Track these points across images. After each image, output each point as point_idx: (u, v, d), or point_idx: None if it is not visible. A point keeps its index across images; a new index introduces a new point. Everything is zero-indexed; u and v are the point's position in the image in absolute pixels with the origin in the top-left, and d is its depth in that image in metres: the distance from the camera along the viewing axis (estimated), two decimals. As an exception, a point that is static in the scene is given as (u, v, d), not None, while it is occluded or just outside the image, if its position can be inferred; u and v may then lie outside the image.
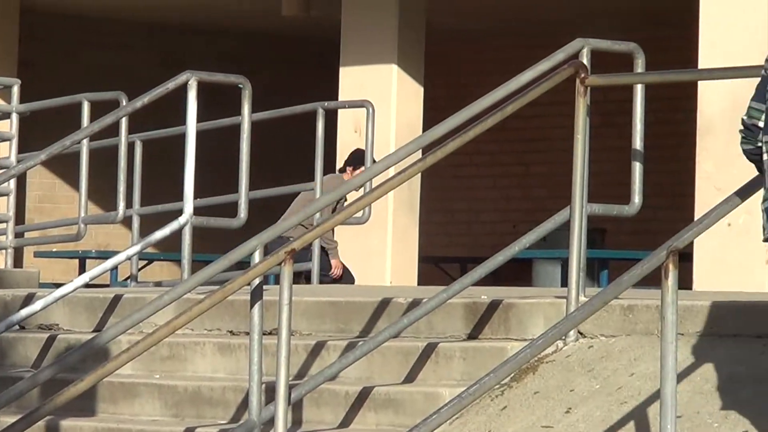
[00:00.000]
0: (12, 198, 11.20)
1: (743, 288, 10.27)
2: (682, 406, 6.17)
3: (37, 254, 16.60)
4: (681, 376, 6.29)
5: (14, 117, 11.13)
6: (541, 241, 8.74)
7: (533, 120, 14.90)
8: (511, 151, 17.85)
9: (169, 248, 13.86)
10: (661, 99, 12.14)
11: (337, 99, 13.26)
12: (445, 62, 17.42)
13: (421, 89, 14.15)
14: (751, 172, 5.71)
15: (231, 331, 8.61)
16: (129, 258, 9.94)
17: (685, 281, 10.30)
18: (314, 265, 11.13)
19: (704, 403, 6.43)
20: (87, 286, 9.46)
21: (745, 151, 5.44)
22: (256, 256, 6.59)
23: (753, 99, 5.24)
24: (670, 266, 5.58)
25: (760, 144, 5.23)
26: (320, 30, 15.50)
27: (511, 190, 18.03)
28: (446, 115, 7.45)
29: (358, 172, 11.07)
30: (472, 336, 7.75)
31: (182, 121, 8.72)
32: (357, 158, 11.15)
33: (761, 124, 5.19)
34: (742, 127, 5.33)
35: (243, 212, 8.16)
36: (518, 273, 13.95)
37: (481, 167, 18.09)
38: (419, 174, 10.54)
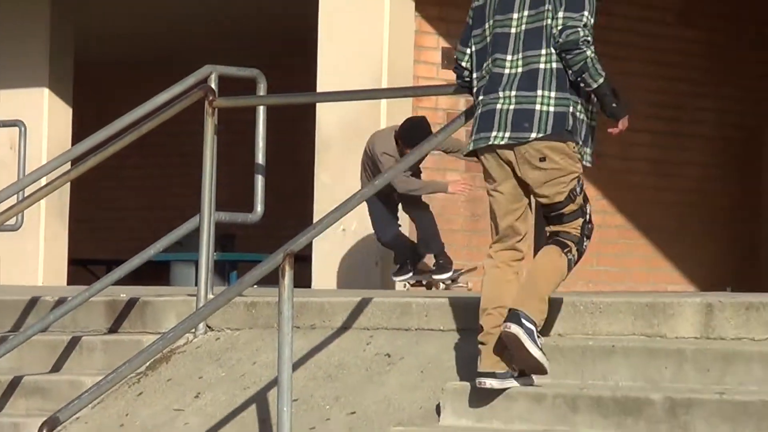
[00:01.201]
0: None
1: (357, 286, 10.82)
2: (298, 391, 6.52)
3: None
4: (297, 365, 6.64)
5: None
6: (177, 244, 8.99)
7: (177, 137, 15.23)
8: (155, 164, 18.31)
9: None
10: (285, 119, 12.57)
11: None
12: (98, 87, 17.65)
13: (70, 110, 14.31)
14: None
15: None
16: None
17: (304, 280, 10.79)
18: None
19: (317, 388, 6.76)
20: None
21: (458, 85, 6.34)
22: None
23: (459, 44, 6.15)
24: (286, 267, 5.92)
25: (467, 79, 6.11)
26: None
27: (154, 200, 18.47)
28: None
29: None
30: (113, 330, 8.01)
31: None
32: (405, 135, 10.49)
33: (464, 63, 6.08)
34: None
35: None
36: (159, 274, 14.34)
37: (126, 179, 18.50)
38: (68, 184, 10.72)
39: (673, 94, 13.44)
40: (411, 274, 10.89)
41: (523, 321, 5.76)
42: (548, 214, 6.00)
